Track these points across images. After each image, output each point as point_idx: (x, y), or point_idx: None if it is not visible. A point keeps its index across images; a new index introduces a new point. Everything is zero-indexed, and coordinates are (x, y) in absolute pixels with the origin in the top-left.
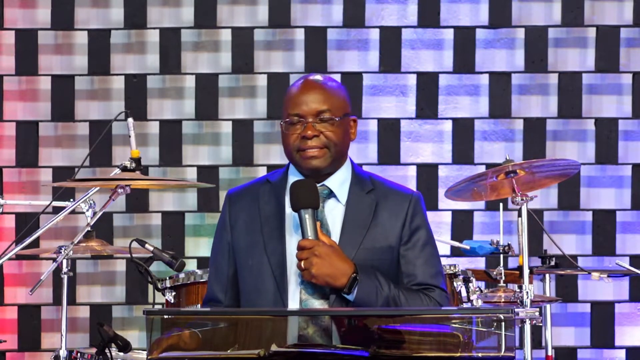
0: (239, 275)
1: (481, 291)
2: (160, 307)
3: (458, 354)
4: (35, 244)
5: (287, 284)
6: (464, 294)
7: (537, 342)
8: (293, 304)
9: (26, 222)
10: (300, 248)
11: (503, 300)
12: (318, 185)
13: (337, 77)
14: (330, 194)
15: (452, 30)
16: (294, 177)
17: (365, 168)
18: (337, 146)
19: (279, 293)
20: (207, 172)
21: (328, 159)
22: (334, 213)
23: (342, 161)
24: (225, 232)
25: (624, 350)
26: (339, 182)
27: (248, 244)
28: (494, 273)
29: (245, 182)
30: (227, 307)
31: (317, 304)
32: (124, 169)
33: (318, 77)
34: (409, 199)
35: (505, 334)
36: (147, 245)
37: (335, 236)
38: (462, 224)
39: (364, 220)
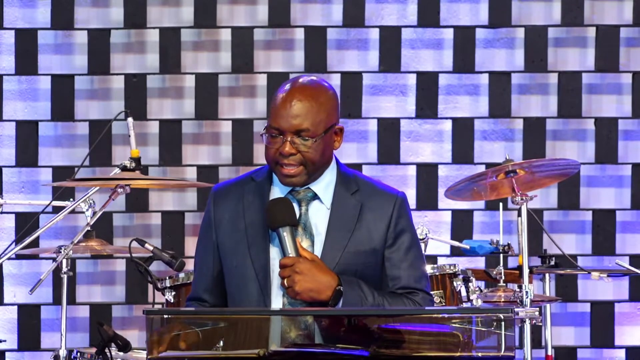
0: (225, 276)
1: (481, 291)
2: (160, 307)
3: (458, 354)
4: (35, 243)
5: (270, 288)
6: (464, 293)
7: (537, 341)
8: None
9: (26, 222)
10: (281, 266)
11: (503, 300)
12: (303, 188)
13: (337, 77)
14: (315, 197)
15: (452, 29)
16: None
17: (365, 168)
18: (314, 164)
19: (262, 297)
20: (207, 172)
21: (304, 176)
22: (318, 216)
23: (323, 170)
24: (210, 231)
25: (623, 350)
26: (324, 185)
27: (232, 244)
28: (494, 273)
29: (230, 179)
30: (213, 306)
31: None
32: (124, 168)
33: (307, 84)
34: (393, 201)
35: (505, 334)
36: (147, 245)
37: (320, 239)
38: (462, 224)
39: (348, 223)
